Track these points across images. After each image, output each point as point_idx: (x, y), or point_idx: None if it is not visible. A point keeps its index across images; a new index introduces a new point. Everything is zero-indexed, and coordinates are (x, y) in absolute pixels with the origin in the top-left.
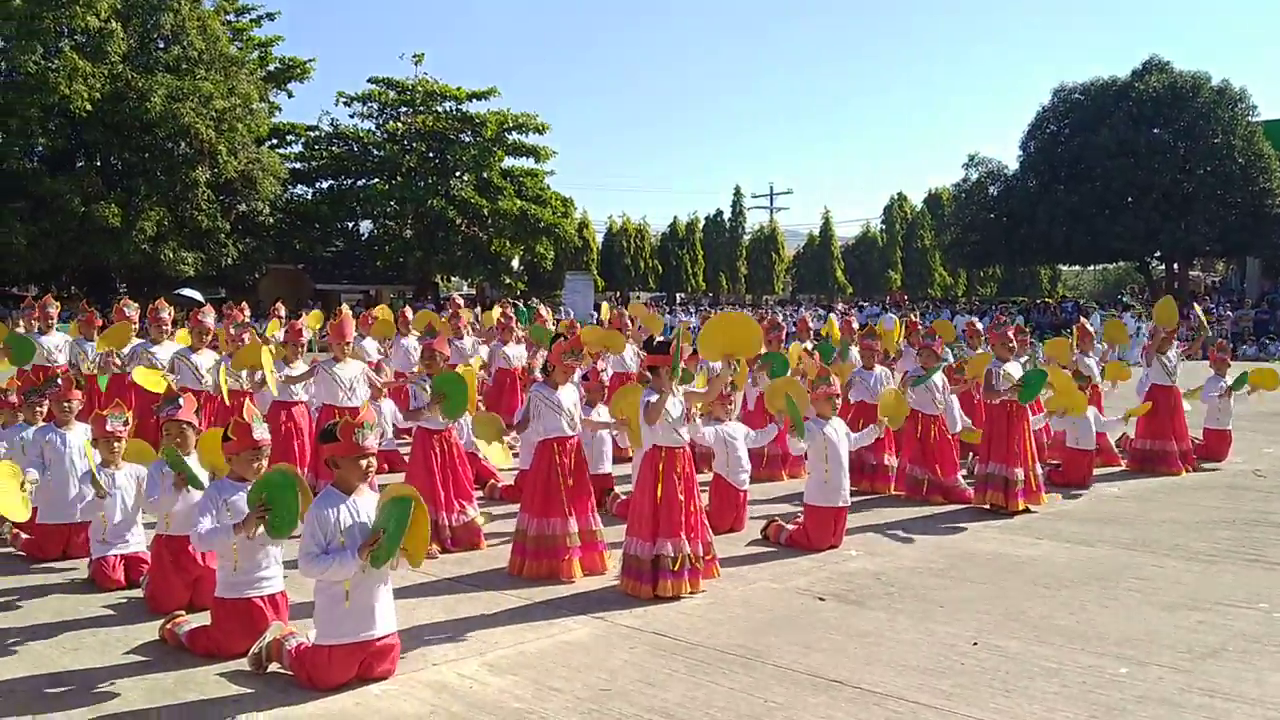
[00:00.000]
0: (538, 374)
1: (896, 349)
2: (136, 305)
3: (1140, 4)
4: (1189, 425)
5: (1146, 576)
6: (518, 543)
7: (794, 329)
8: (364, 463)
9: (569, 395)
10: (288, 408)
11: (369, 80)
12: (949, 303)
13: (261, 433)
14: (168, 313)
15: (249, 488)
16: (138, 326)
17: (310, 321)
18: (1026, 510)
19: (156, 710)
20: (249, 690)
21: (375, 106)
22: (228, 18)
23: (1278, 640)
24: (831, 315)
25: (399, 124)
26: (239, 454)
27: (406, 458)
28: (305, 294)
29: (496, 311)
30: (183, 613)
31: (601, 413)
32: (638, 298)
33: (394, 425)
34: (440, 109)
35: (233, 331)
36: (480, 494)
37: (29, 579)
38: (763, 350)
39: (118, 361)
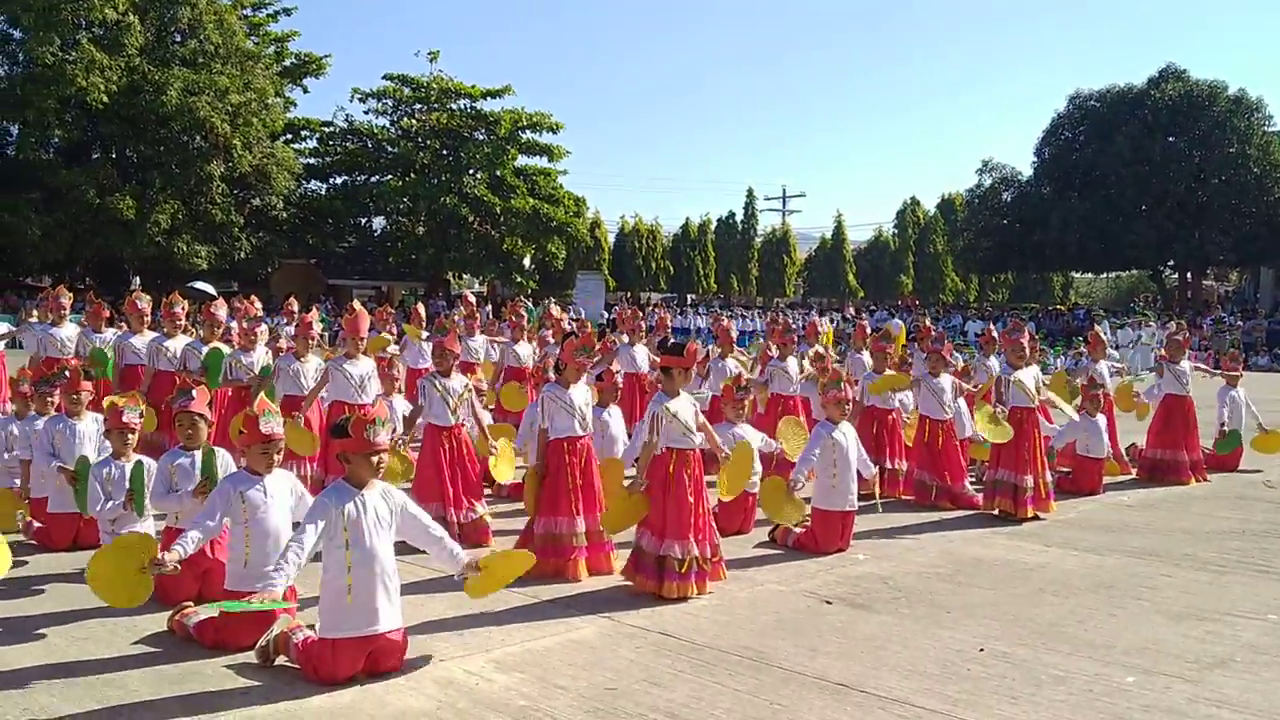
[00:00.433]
0: (550, 373)
1: (903, 353)
2: (149, 298)
3: (1157, 12)
4: (1200, 437)
5: (1155, 586)
6: (524, 541)
7: (803, 332)
8: (375, 459)
9: (580, 394)
10: (297, 403)
11: (384, 77)
12: (960, 308)
13: (271, 427)
14: (181, 306)
15: (261, 480)
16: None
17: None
18: (1035, 517)
19: (163, 701)
20: (256, 683)
21: (390, 103)
22: (244, 12)
23: None
24: (824, 319)
25: (413, 121)
26: (249, 447)
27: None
28: (317, 289)
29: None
30: (191, 604)
31: (614, 414)
32: (649, 299)
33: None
34: (454, 107)
35: (244, 325)
36: (489, 492)
37: (38, 568)
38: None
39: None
